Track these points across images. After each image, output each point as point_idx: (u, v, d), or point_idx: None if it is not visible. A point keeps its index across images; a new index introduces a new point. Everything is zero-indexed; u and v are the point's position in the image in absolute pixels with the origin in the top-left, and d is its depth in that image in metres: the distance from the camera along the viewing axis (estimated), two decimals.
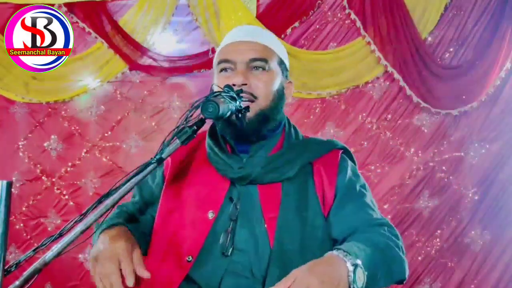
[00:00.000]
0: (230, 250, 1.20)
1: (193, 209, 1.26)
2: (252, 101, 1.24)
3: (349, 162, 1.35)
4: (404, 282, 1.21)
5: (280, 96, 1.30)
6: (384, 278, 1.11)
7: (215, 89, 1.21)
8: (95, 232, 1.23)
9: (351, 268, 0.99)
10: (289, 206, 1.23)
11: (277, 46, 1.34)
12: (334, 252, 1.04)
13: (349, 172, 1.31)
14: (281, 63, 1.33)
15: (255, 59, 1.27)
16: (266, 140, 1.30)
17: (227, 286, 1.19)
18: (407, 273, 1.19)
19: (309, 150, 1.31)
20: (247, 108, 1.21)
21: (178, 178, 1.32)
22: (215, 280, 1.20)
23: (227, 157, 1.28)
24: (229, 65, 1.28)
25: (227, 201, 1.26)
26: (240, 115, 1.19)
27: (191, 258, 1.20)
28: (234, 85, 1.22)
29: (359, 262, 1.01)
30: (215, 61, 1.33)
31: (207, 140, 1.33)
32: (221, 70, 1.30)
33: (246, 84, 1.23)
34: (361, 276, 1.01)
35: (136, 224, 1.29)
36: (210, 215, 1.24)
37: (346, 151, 1.37)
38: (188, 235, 1.23)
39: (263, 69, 1.27)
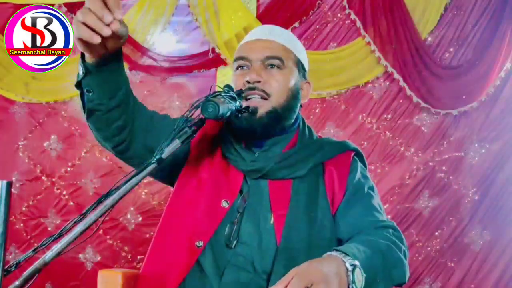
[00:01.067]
0: (235, 242, 1.21)
1: (209, 195, 1.26)
2: (264, 99, 1.24)
3: (359, 164, 1.35)
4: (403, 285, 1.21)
5: (294, 95, 1.30)
6: (384, 281, 1.11)
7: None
8: None
9: (350, 268, 0.99)
10: (298, 204, 1.23)
11: (295, 46, 1.34)
12: (333, 252, 1.04)
13: (358, 173, 1.31)
14: (298, 63, 1.33)
15: (270, 57, 1.27)
16: (281, 136, 1.31)
17: (228, 277, 1.19)
18: (408, 276, 1.19)
19: (322, 150, 1.31)
20: (247, 108, 1.21)
21: (200, 160, 1.32)
22: (218, 270, 1.20)
23: (241, 149, 1.29)
24: (245, 63, 1.29)
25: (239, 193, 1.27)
26: (240, 115, 1.19)
27: (201, 243, 1.20)
28: (248, 82, 1.23)
29: (357, 263, 1.01)
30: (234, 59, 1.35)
31: (224, 130, 1.34)
32: (238, 68, 1.30)
33: (260, 82, 1.24)
34: (359, 277, 1.01)
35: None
36: (224, 203, 1.24)
37: (358, 153, 1.37)
38: (201, 221, 1.23)
39: (278, 67, 1.27)
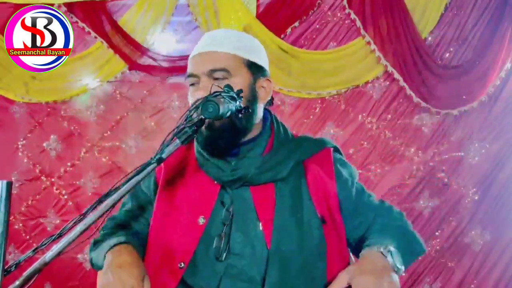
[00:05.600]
0: (224, 254, 1.19)
1: (185, 215, 1.25)
2: None
3: (339, 159, 1.36)
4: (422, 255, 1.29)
5: (249, 99, 1.26)
6: (409, 257, 1.19)
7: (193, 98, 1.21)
8: (94, 245, 1.28)
9: (389, 257, 1.10)
10: (284, 207, 1.22)
11: (243, 48, 1.28)
12: (368, 249, 1.14)
13: (344, 175, 1.32)
14: (249, 65, 1.27)
15: (214, 70, 1.23)
16: (256, 141, 1.29)
17: None
18: (424, 245, 1.28)
19: (301, 149, 1.30)
20: (247, 108, 1.21)
21: (171, 184, 1.31)
22: (213, 285, 1.19)
23: (217, 160, 1.27)
24: (194, 79, 1.26)
25: (219, 205, 1.25)
26: (240, 115, 1.18)
27: (183, 264, 1.20)
28: (198, 100, 1.19)
29: (392, 248, 1.12)
30: None
31: (195, 145, 1.31)
32: (190, 85, 1.28)
33: None
34: (397, 258, 1.11)
35: (137, 236, 1.29)
36: (201, 220, 1.22)
37: (335, 149, 1.37)
38: (180, 241, 1.22)
39: (226, 78, 1.23)
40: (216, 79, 1.23)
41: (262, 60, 1.32)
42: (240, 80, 1.24)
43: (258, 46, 1.34)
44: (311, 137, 1.40)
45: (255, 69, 1.29)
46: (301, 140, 1.35)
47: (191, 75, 1.26)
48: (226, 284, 1.19)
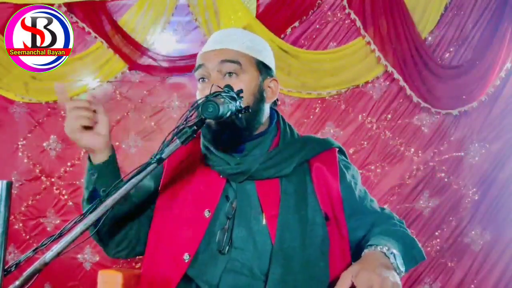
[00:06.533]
0: (227, 248, 1.21)
1: (190, 208, 1.26)
2: None
3: (344, 160, 1.38)
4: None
5: (257, 98, 1.28)
6: (409, 263, 1.19)
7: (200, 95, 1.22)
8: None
9: (392, 258, 1.09)
10: (288, 204, 1.23)
11: (253, 47, 1.30)
12: (371, 248, 1.13)
13: (348, 176, 1.33)
14: (258, 64, 1.29)
15: (225, 61, 1.24)
16: (258, 139, 1.30)
17: (226, 284, 1.19)
18: (424, 253, 1.28)
19: (306, 148, 1.32)
20: (247, 108, 1.21)
21: (175, 179, 1.33)
22: (214, 279, 1.20)
23: (223, 155, 1.28)
24: (203, 72, 1.27)
25: (223, 199, 1.26)
26: (240, 115, 1.19)
27: (188, 257, 1.21)
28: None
29: (394, 251, 1.11)
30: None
31: (202, 140, 1.33)
32: (199, 80, 1.29)
33: None
34: (399, 260, 1.11)
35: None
36: (206, 213, 1.24)
37: (340, 150, 1.39)
38: (185, 234, 1.23)
39: (236, 74, 1.25)
40: (227, 74, 1.25)
41: (269, 60, 1.34)
42: (249, 77, 1.27)
43: (267, 47, 1.36)
44: (317, 137, 1.41)
45: (264, 69, 1.31)
46: (307, 139, 1.37)
47: (200, 66, 1.27)
48: (228, 278, 1.20)
